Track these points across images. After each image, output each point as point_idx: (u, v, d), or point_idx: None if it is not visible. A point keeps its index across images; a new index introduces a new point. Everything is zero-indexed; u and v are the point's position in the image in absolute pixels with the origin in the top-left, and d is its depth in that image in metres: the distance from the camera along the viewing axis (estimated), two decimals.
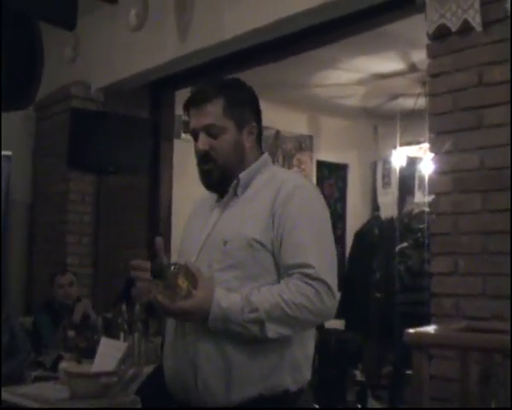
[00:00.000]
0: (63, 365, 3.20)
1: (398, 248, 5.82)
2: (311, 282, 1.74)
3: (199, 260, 1.89)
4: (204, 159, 1.92)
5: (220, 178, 1.93)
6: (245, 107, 1.96)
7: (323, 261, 1.79)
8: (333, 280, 1.78)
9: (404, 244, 5.75)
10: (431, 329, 1.75)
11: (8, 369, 3.75)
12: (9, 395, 3.04)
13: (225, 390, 1.80)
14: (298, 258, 1.77)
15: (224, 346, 1.80)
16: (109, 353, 3.05)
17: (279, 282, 1.81)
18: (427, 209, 5.85)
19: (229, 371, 1.79)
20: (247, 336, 1.76)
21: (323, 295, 1.74)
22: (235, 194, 1.94)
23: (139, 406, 3.06)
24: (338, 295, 1.79)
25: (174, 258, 2.05)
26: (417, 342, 1.67)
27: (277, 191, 1.85)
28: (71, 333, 3.45)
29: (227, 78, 2.13)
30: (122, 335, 3.87)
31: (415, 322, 2.99)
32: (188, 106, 1.97)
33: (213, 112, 1.91)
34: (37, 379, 3.46)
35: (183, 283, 1.74)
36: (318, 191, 1.98)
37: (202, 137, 1.92)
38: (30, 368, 3.70)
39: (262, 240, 1.81)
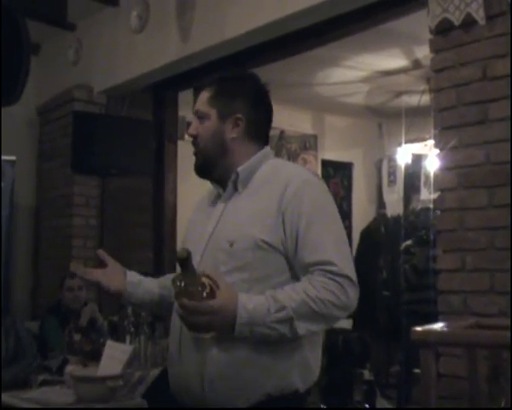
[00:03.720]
0: (69, 368, 3.18)
1: (403, 245, 5.79)
2: (334, 277, 1.72)
3: (203, 260, 1.85)
4: (193, 143, 1.98)
5: (202, 164, 1.96)
6: (233, 98, 1.95)
7: (343, 257, 1.77)
8: (354, 273, 1.77)
9: (409, 241, 5.71)
10: (438, 326, 1.72)
11: (12, 373, 3.74)
12: (14, 399, 3.03)
13: (233, 392, 1.76)
14: (318, 256, 1.75)
15: (232, 346, 1.75)
16: (115, 356, 3.03)
17: (292, 281, 1.78)
18: (430, 206, 5.82)
19: (237, 373, 1.75)
20: (275, 338, 1.72)
21: (348, 289, 1.73)
22: (236, 189, 1.92)
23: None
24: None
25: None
26: (424, 340, 1.64)
27: (284, 188, 1.81)
28: (76, 337, 3.43)
29: (241, 70, 2.15)
30: (128, 338, 3.85)
31: (422, 320, 2.96)
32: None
33: (202, 99, 1.97)
34: (44, 383, 3.44)
35: (206, 281, 1.67)
36: (324, 184, 1.95)
37: (194, 121, 1.98)
38: (36, 372, 3.69)
39: (271, 241, 1.78)
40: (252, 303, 1.70)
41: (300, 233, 1.77)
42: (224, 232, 1.84)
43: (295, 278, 1.80)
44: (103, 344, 3.23)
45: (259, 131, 1.99)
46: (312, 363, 1.85)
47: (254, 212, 1.83)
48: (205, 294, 1.66)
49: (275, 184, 1.84)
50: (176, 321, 1.87)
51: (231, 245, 1.79)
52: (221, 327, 1.71)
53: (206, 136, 1.93)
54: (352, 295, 1.75)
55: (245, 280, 1.77)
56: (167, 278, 2.09)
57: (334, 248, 1.77)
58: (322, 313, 1.71)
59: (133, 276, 2.08)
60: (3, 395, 3.09)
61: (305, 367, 1.82)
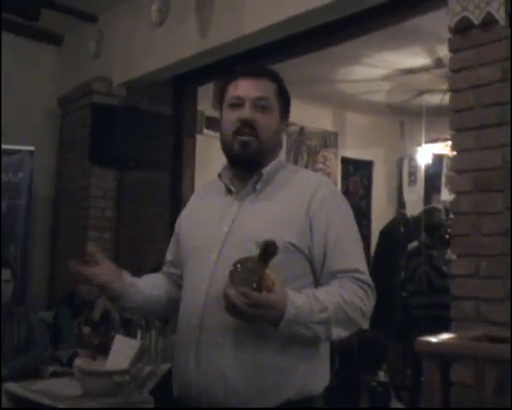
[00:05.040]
0: (77, 361, 3.18)
1: (409, 246, 5.71)
2: (362, 285, 1.76)
3: (221, 258, 1.79)
4: (245, 129, 1.85)
5: (256, 155, 1.85)
6: (287, 102, 1.95)
7: (365, 265, 1.82)
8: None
9: (415, 243, 5.63)
10: (443, 338, 1.68)
11: (23, 363, 3.76)
12: (22, 389, 3.04)
13: (255, 397, 1.72)
14: (347, 264, 1.78)
15: (255, 350, 1.72)
16: (123, 350, 3.03)
17: (313, 285, 1.79)
18: (438, 206, 5.72)
19: (260, 377, 1.72)
20: (308, 339, 1.72)
21: (371, 297, 1.78)
22: (254, 189, 1.87)
23: (152, 405, 3.03)
24: None
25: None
26: (428, 351, 1.60)
27: (312, 194, 1.82)
28: (86, 329, 3.43)
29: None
30: (139, 332, 3.85)
31: (440, 323, 2.89)
32: (240, 75, 1.90)
33: (268, 88, 1.89)
34: (54, 375, 3.45)
35: (272, 275, 1.62)
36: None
37: (250, 107, 1.86)
38: (46, 363, 3.70)
39: (298, 244, 1.77)
40: (299, 300, 1.67)
41: (330, 242, 1.78)
42: (247, 233, 1.79)
43: (316, 282, 1.81)
44: (112, 338, 3.22)
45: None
46: (326, 366, 1.85)
47: (280, 215, 1.80)
48: (268, 284, 1.61)
49: (300, 190, 1.84)
50: (191, 323, 1.79)
51: (257, 246, 1.73)
52: (269, 320, 1.66)
53: (270, 129, 1.87)
54: (372, 304, 1.79)
55: None
56: (156, 278, 2.06)
57: (360, 257, 1.82)
58: (353, 319, 1.73)
59: (127, 277, 1.96)
60: (13, 386, 3.11)
61: (321, 371, 1.83)
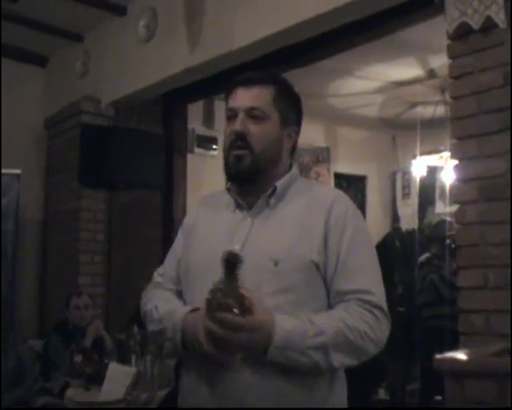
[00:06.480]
0: (70, 392, 3.05)
1: (422, 257, 5.62)
2: (371, 309, 1.64)
3: None
4: (236, 143, 1.74)
5: (251, 168, 1.73)
6: (292, 106, 1.82)
7: (380, 288, 1.69)
8: (387, 308, 1.68)
9: (427, 254, 5.56)
10: (464, 355, 1.57)
11: (13, 398, 3.61)
12: None
13: None
14: (356, 283, 1.66)
15: (275, 380, 1.61)
16: (117, 379, 2.91)
17: (328, 306, 1.68)
18: (447, 218, 5.67)
19: (281, 403, 1.61)
20: (307, 367, 1.59)
21: (383, 323, 1.65)
22: (267, 204, 1.76)
23: None
24: None
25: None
26: (451, 370, 1.49)
27: (329, 209, 1.71)
28: (77, 358, 3.29)
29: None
30: (134, 357, 3.72)
31: (441, 338, 2.77)
32: (235, 85, 1.80)
33: (262, 96, 1.76)
34: (45, 407, 3.31)
35: (246, 293, 1.50)
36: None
37: (242, 118, 1.75)
38: (37, 395, 3.55)
39: (318, 262, 1.67)
40: (288, 324, 1.57)
41: (341, 259, 1.68)
42: (264, 250, 1.68)
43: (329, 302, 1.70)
44: (106, 366, 3.09)
45: (295, 148, 1.87)
46: (343, 387, 1.75)
47: (299, 231, 1.69)
48: (235, 310, 1.49)
49: (316, 205, 1.73)
50: (203, 348, 1.62)
51: (276, 264, 1.65)
52: (256, 346, 1.56)
53: (266, 138, 1.75)
54: (385, 329, 1.66)
55: (291, 302, 1.64)
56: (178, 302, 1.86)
57: (372, 277, 1.70)
58: (358, 345, 1.61)
59: None
60: None
61: (342, 399, 1.73)
